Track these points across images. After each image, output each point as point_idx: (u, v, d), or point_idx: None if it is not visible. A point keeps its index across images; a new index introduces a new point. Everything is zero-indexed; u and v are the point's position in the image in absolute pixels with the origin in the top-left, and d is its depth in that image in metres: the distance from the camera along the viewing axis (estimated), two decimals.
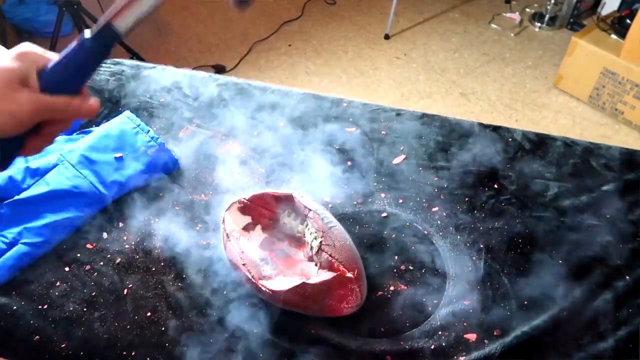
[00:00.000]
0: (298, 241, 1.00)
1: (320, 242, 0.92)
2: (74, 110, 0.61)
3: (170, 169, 1.19)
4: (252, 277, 0.91)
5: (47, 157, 1.11)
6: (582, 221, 1.08)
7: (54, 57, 0.61)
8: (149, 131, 1.19)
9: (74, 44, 0.60)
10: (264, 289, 0.89)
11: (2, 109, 0.56)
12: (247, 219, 1.01)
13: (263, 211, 1.03)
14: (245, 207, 1.02)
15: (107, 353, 0.88)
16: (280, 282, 0.91)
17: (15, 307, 0.94)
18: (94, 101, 0.62)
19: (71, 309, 0.94)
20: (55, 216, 1.04)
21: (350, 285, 0.88)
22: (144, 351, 0.88)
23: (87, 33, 0.59)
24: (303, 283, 0.86)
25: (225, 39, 3.16)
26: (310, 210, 0.96)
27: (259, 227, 1.02)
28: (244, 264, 0.92)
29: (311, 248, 0.94)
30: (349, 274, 0.88)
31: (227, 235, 0.97)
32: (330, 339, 0.89)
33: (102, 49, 0.60)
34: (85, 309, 0.94)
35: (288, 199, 1.01)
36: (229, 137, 1.28)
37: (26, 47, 0.62)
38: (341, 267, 0.89)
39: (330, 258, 0.90)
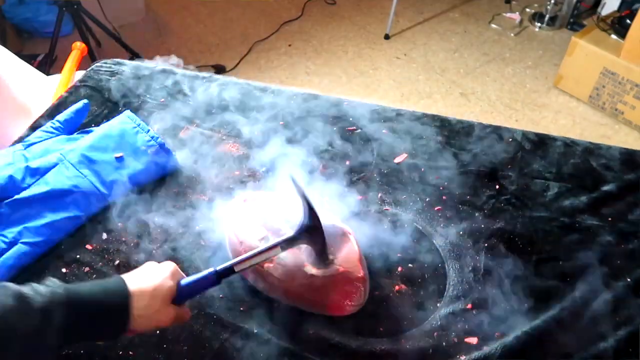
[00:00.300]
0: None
1: (332, 258, 0.92)
2: (184, 320, 0.82)
3: (170, 169, 1.19)
4: (256, 267, 0.90)
5: (47, 157, 1.11)
6: (582, 221, 1.08)
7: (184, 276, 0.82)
8: (149, 131, 1.19)
9: (206, 273, 0.81)
10: (268, 278, 0.89)
11: (157, 320, 0.75)
12: (246, 215, 1.01)
13: (262, 209, 1.02)
14: (246, 203, 1.02)
15: (107, 353, 0.88)
16: (286, 271, 0.90)
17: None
18: (188, 310, 0.83)
19: None
20: (55, 216, 1.04)
21: (357, 283, 0.89)
22: (144, 351, 0.88)
23: (214, 269, 0.81)
24: (311, 274, 0.87)
25: (225, 39, 3.16)
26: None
27: (255, 224, 0.99)
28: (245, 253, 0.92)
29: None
30: (355, 273, 0.89)
31: (228, 228, 0.97)
32: (331, 338, 0.89)
33: (219, 282, 0.82)
34: None
35: (287, 205, 1.01)
36: (229, 137, 1.28)
37: (174, 267, 0.80)
38: (348, 269, 0.89)
39: (337, 267, 0.91)
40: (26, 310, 0.63)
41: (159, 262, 0.99)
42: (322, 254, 0.90)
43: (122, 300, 0.71)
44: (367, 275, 0.93)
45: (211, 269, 0.81)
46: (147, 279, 0.76)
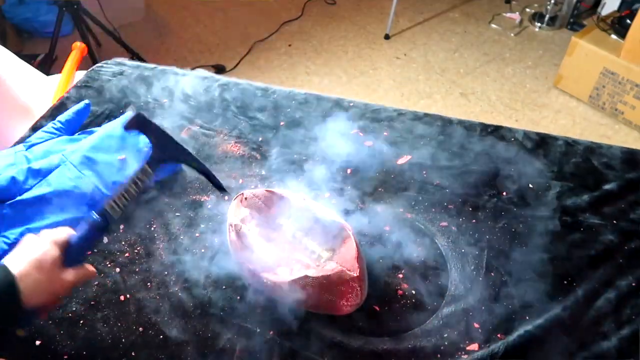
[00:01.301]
0: (292, 243, 0.99)
1: (330, 255, 0.93)
2: (87, 277, 0.80)
3: (173, 169, 1.19)
4: (254, 268, 0.91)
5: (49, 158, 1.11)
6: (584, 220, 1.08)
7: (69, 235, 0.79)
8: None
9: (84, 225, 0.79)
10: (265, 281, 0.89)
11: (54, 290, 0.74)
12: (246, 212, 1.01)
13: (262, 206, 1.03)
14: (247, 201, 1.02)
15: (109, 354, 0.88)
16: (282, 274, 0.91)
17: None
18: (90, 266, 0.81)
19: (74, 309, 0.94)
20: (57, 217, 1.04)
21: (352, 283, 0.88)
22: (146, 352, 0.88)
23: (94, 214, 0.80)
24: (305, 275, 0.87)
25: (225, 39, 3.16)
26: (313, 220, 0.97)
27: (254, 221, 1.01)
28: (245, 256, 0.92)
29: (319, 256, 0.95)
30: (351, 272, 0.89)
31: (230, 226, 0.97)
32: (332, 337, 0.89)
33: (106, 225, 0.80)
34: (87, 310, 0.94)
35: (288, 201, 1.01)
36: (231, 137, 1.28)
37: (54, 233, 0.78)
38: (344, 268, 0.89)
39: (335, 263, 0.91)
40: None
41: (161, 263, 1.00)
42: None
43: (7, 287, 0.70)
44: (364, 274, 0.93)
45: (92, 216, 0.80)
46: (28, 255, 0.74)
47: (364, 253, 0.98)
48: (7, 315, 0.71)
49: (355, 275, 0.89)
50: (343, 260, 0.91)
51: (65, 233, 0.79)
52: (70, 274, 0.76)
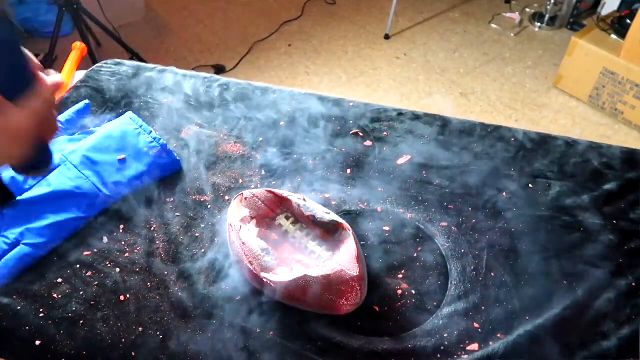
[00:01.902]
0: (292, 244, 0.99)
1: (330, 255, 0.94)
2: (54, 88, 0.62)
3: (172, 170, 1.19)
4: (254, 269, 0.91)
5: None
6: (584, 220, 1.08)
7: None
8: (151, 132, 1.18)
9: None
10: (265, 281, 0.90)
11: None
12: (245, 212, 1.01)
13: (262, 207, 1.03)
14: (247, 200, 1.02)
15: (109, 354, 0.88)
16: (281, 274, 0.91)
17: (17, 308, 0.93)
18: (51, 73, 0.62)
19: (74, 309, 0.94)
20: (57, 217, 1.04)
21: (352, 283, 0.88)
22: (146, 352, 0.88)
23: None
24: (304, 275, 0.87)
25: (225, 39, 3.16)
26: (312, 219, 0.98)
27: (253, 222, 1.00)
28: (245, 256, 0.93)
29: (319, 256, 0.95)
30: (351, 272, 0.89)
31: (230, 226, 0.97)
32: (332, 338, 0.89)
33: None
34: (87, 310, 0.94)
35: (287, 201, 1.01)
36: (231, 137, 1.28)
37: None
38: (344, 267, 0.89)
39: (336, 263, 0.91)
40: None
41: (161, 263, 1.00)
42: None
43: None
44: (364, 273, 0.93)
45: None
46: None
47: (363, 253, 0.98)
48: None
49: (355, 274, 0.89)
50: (343, 260, 0.91)
51: None
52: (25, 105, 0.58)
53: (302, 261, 0.95)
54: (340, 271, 0.88)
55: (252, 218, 1.00)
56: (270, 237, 0.99)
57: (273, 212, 1.03)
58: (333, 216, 0.98)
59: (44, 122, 0.60)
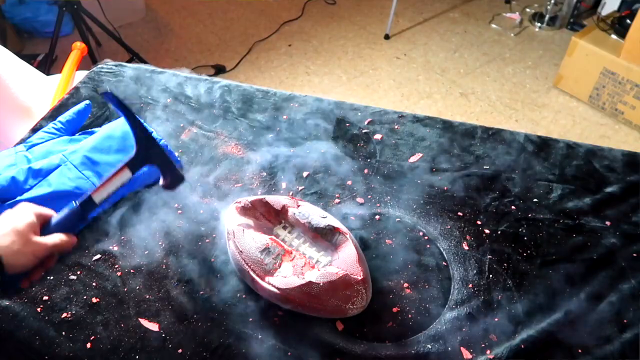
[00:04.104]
0: (290, 251, 0.97)
1: (329, 260, 0.93)
2: (66, 244, 0.80)
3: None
4: (256, 275, 0.91)
5: (49, 158, 1.11)
6: (586, 223, 1.07)
7: (50, 214, 0.83)
8: (152, 132, 1.18)
9: (66, 210, 0.82)
10: (268, 287, 0.89)
11: (27, 251, 0.75)
12: (242, 219, 1.00)
13: (259, 216, 1.03)
14: (244, 209, 1.02)
15: (109, 357, 0.87)
16: (285, 279, 0.90)
17: (17, 310, 0.93)
18: (70, 237, 0.82)
19: (74, 312, 0.93)
20: (57, 216, 1.03)
21: (357, 287, 0.89)
22: (146, 355, 0.87)
23: (74, 203, 0.82)
24: (309, 282, 0.87)
25: (225, 39, 3.16)
26: (308, 225, 0.97)
27: (251, 230, 0.98)
28: (246, 264, 0.92)
29: (317, 262, 0.94)
30: (355, 276, 0.89)
31: (228, 234, 0.97)
32: (335, 343, 0.89)
33: (83, 213, 0.83)
34: (87, 313, 0.93)
35: (283, 212, 1.01)
36: (231, 139, 1.27)
37: (33, 209, 0.81)
38: (348, 272, 0.89)
39: (337, 268, 0.91)
40: None
41: (161, 265, 1.00)
42: (169, 173, 0.89)
43: None
44: (368, 276, 0.93)
45: (73, 204, 0.82)
46: (5, 219, 0.77)
47: (365, 257, 0.97)
48: None
49: (359, 278, 0.89)
50: (344, 265, 0.91)
51: (46, 210, 0.82)
52: (47, 238, 0.78)
53: (302, 267, 0.94)
54: (344, 276, 0.88)
55: (250, 226, 0.99)
56: (268, 245, 0.97)
57: (270, 222, 1.02)
58: (330, 220, 0.98)
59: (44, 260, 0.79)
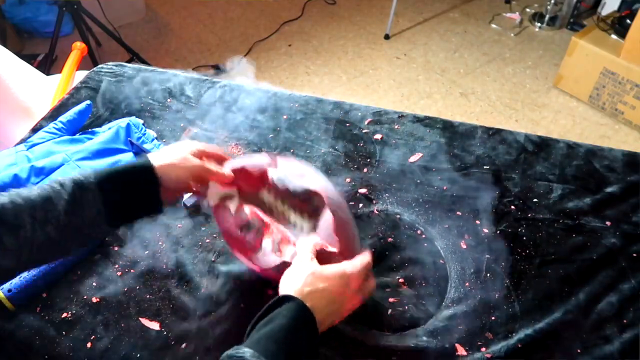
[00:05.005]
0: (277, 218, 0.92)
1: (312, 225, 0.88)
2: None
3: None
4: (241, 254, 0.88)
5: (52, 157, 1.11)
6: (586, 223, 1.08)
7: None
8: (153, 139, 1.19)
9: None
10: (251, 266, 0.87)
11: (181, 165, 0.84)
12: (227, 192, 0.92)
13: (242, 185, 0.94)
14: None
15: (110, 356, 0.87)
16: (264, 258, 0.85)
17: (17, 310, 0.93)
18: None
19: (74, 312, 0.93)
20: None
21: (335, 259, 0.81)
22: (147, 355, 0.88)
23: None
24: (283, 262, 0.82)
25: (225, 39, 3.16)
26: (287, 191, 0.90)
27: (235, 200, 0.92)
28: (229, 243, 0.90)
29: (300, 228, 0.89)
30: (331, 248, 0.82)
31: (212, 210, 0.92)
32: (334, 331, 0.88)
33: None
34: (88, 313, 0.93)
35: (264, 175, 0.93)
36: (231, 139, 1.27)
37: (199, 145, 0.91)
38: (324, 243, 0.82)
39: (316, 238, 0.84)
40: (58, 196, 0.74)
41: (162, 265, 1.00)
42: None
43: (145, 161, 0.82)
44: (351, 244, 0.84)
45: None
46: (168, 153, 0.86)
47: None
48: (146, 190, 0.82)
49: (335, 250, 0.81)
50: (323, 234, 0.84)
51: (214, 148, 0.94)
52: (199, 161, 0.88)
53: (286, 236, 0.88)
54: (319, 249, 0.81)
55: (234, 196, 0.92)
56: (254, 213, 0.91)
57: (255, 188, 0.95)
58: (307, 180, 0.89)
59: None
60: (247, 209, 0.90)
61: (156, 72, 1.48)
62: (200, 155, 0.89)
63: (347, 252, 0.82)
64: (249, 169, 0.93)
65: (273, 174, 0.91)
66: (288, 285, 0.74)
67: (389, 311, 0.93)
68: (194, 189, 0.89)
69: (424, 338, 0.89)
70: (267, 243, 0.87)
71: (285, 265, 0.81)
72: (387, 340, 0.88)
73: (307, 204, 0.90)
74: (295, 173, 0.90)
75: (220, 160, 0.93)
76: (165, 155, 0.84)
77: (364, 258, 0.80)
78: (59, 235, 0.74)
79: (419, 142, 1.26)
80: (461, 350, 0.87)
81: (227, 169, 0.92)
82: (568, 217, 1.09)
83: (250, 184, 0.94)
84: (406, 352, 0.87)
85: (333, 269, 0.76)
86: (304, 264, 0.77)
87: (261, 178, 0.93)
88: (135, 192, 0.81)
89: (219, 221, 0.91)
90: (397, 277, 0.98)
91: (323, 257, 0.80)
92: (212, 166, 0.89)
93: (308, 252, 0.79)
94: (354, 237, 0.88)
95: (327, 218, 0.84)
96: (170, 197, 0.86)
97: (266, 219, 0.90)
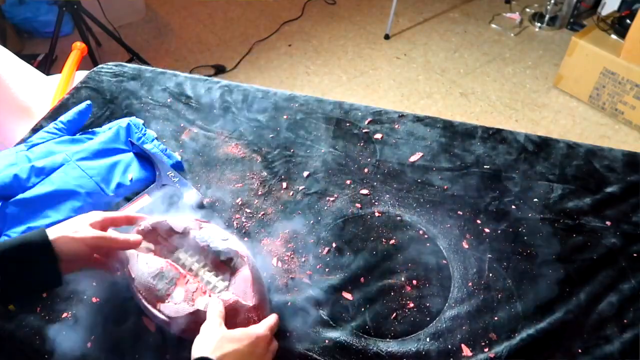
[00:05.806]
0: (190, 276, 0.92)
1: (226, 285, 0.90)
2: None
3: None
4: (147, 302, 0.87)
5: (53, 157, 1.11)
6: (586, 223, 1.08)
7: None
8: (153, 140, 1.19)
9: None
10: (158, 315, 0.85)
11: (77, 237, 0.80)
12: (144, 245, 0.94)
13: (161, 239, 0.97)
14: (145, 233, 0.95)
15: (111, 356, 0.88)
16: (175, 307, 0.86)
17: (17, 310, 0.93)
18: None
19: (74, 312, 0.93)
20: (59, 215, 1.03)
21: (247, 314, 0.85)
22: (147, 355, 0.88)
23: None
24: (196, 310, 0.83)
25: (225, 39, 3.16)
26: (207, 248, 0.93)
27: (150, 254, 0.93)
28: (137, 290, 0.88)
29: (214, 287, 0.90)
30: (246, 302, 0.85)
31: (120, 262, 0.92)
32: (336, 339, 0.89)
33: None
34: (88, 312, 0.93)
35: (185, 233, 0.95)
36: (231, 139, 1.27)
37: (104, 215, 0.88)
38: (239, 298, 0.86)
39: (232, 294, 0.87)
40: None
41: (165, 266, 1.00)
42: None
43: (41, 236, 0.78)
44: (263, 301, 0.89)
45: None
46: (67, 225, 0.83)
47: (365, 257, 0.96)
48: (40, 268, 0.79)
49: (250, 305, 0.85)
50: (239, 290, 0.87)
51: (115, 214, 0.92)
52: (99, 232, 0.84)
53: (200, 293, 0.90)
54: (234, 303, 0.84)
55: (150, 251, 0.94)
56: (168, 270, 0.91)
57: (173, 245, 0.96)
58: (231, 243, 0.93)
59: None
60: (163, 261, 0.91)
61: (156, 72, 1.48)
62: (103, 224, 0.86)
63: (260, 308, 0.87)
64: (171, 224, 0.96)
65: (195, 233, 0.94)
66: (201, 349, 0.75)
67: (393, 315, 0.93)
68: (98, 260, 0.88)
69: (426, 342, 0.89)
70: (178, 292, 0.88)
71: (197, 313, 0.83)
72: (388, 346, 0.89)
73: (225, 264, 0.93)
74: (219, 236, 0.94)
75: (131, 222, 0.92)
76: (63, 228, 0.81)
77: (270, 320, 0.85)
78: None
79: (419, 142, 1.26)
80: (465, 351, 0.87)
81: (134, 232, 0.94)
82: (568, 217, 1.09)
83: (169, 241, 0.97)
84: (407, 356, 0.87)
85: (242, 331, 0.79)
86: (214, 329, 0.78)
87: (180, 236, 0.96)
88: (32, 269, 0.78)
89: (130, 270, 0.90)
90: (400, 279, 0.98)
91: (237, 311, 0.84)
92: (116, 234, 0.86)
93: (216, 317, 0.80)
94: (266, 299, 0.92)
95: (245, 275, 0.89)
96: (75, 268, 0.85)
97: (182, 270, 0.91)
